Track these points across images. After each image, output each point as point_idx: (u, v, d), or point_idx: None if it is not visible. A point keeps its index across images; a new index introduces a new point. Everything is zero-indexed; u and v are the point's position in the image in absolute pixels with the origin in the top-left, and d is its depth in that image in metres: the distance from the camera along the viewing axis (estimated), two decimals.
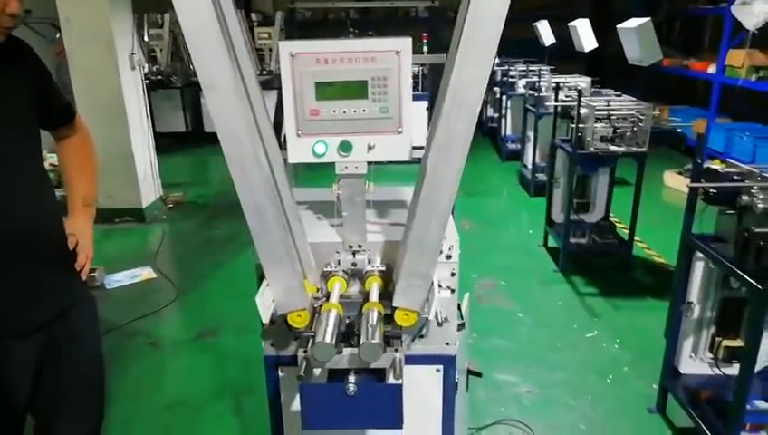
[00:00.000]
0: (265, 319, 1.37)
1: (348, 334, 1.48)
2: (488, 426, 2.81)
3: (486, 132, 9.28)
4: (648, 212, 4.52)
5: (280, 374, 1.66)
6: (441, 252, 1.52)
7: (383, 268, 1.57)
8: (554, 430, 2.81)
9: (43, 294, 1.62)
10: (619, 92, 4.98)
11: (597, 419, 2.89)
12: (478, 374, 2.26)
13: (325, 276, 1.53)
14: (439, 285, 1.51)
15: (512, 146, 7.96)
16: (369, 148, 1.45)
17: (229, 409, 2.96)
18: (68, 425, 1.85)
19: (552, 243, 4.92)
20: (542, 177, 6.21)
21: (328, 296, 1.49)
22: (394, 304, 1.42)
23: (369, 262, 1.56)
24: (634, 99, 4.54)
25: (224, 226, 5.46)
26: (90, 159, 1.94)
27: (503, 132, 8.27)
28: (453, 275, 1.60)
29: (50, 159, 5.15)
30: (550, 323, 3.80)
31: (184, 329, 3.87)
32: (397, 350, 1.41)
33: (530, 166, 6.59)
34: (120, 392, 3.14)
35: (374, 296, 1.45)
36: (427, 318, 1.47)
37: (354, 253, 1.58)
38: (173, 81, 8.86)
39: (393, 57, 1.38)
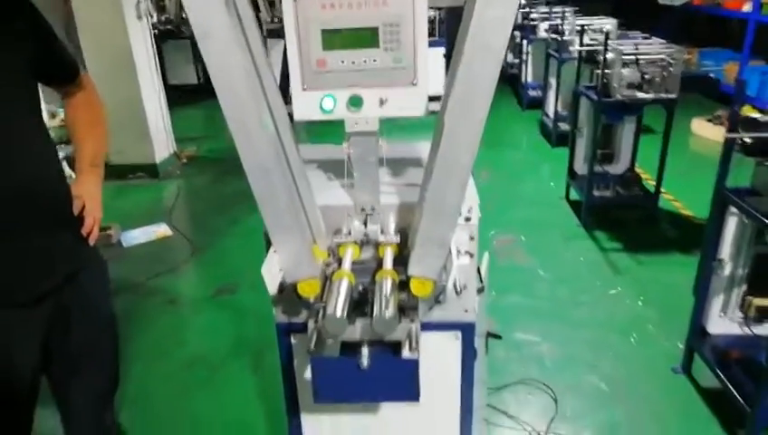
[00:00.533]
0: (272, 290, 1.29)
1: (361, 302, 1.39)
2: (508, 386, 2.76)
3: (506, 79, 8.97)
4: (675, 162, 4.32)
5: (292, 341, 1.60)
6: (460, 214, 1.41)
7: (398, 232, 1.47)
8: (575, 390, 2.75)
9: (48, 261, 1.56)
10: (646, 35, 4.71)
11: (619, 379, 2.82)
12: (498, 337, 2.19)
13: (336, 242, 1.44)
14: (458, 251, 1.41)
15: (533, 93, 7.68)
16: (382, 102, 1.32)
17: (247, 366, 2.95)
18: (82, 389, 1.83)
19: (574, 196, 4.77)
20: (564, 126, 5.99)
21: (339, 262, 1.40)
22: (409, 273, 1.32)
23: (382, 229, 1.47)
24: (663, 41, 4.28)
25: (238, 181, 5.21)
26: (97, 117, 1.84)
27: (523, 79, 7.97)
28: (472, 239, 1.50)
29: (60, 116, 5.08)
30: (571, 280, 3.71)
31: (202, 286, 3.85)
32: (412, 320, 1.33)
33: (552, 115, 6.35)
34: (139, 351, 3.15)
35: (388, 263, 1.36)
36: (444, 286, 1.38)
37: (367, 216, 1.48)
38: (183, 31, 8.63)
39: (406, 0, 1.24)
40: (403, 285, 1.35)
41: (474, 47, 1.10)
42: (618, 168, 4.59)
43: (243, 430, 2.58)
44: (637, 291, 3.55)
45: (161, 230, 4.53)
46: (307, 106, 1.33)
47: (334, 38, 1.27)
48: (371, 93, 1.31)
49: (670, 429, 2.53)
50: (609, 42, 4.01)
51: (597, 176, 4.36)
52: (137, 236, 4.44)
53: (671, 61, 3.91)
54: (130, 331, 3.33)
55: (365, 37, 1.27)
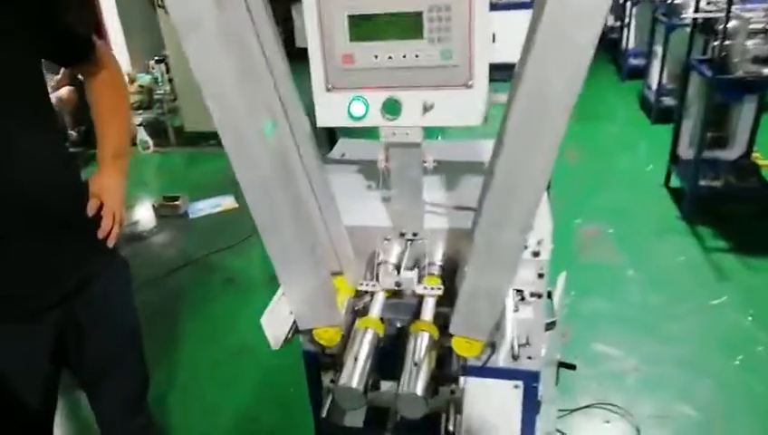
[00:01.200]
0: (275, 343, 1.05)
1: (392, 353, 1.13)
2: (581, 408, 2.43)
3: (605, 45, 8.16)
4: None
5: (323, 379, 1.37)
6: (526, 247, 1.11)
7: (446, 261, 1.19)
8: (662, 421, 2.38)
9: (52, 271, 1.40)
10: None
11: (717, 412, 2.41)
12: (572, 367, 1.87)
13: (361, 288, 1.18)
14: (520, 297, 1.11)
15: (634, 62, 6.91)
16: (426, 108, 1.03)
17: (294, 362, 2.80)
18: (107, 398, 1.72)
19: (675, 183, 4.20)
20: (668, 101, 5.33)
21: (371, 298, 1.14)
22: (451, 331, 1.04)
23: (423, 262, 1.19)
24: None
25: None
26: (120, 102, 1.66)
27: (624, 45, 7.20)
28: (541, 276, 1.19)
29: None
30: (667, 284, 3.24)
31: (260, 268, 3.73)
32: (453, 392, 1.05)
33: (655, 87, 5.65)
34: (192, 333, 3.09)
35: (428, 312, 1.08)
36: (496, 344, 1.09)
37: (408, 242, 1.21)
38: None
39: None
40: (445, 334, 1.08)
41: (547, 42, 0.78)
42: (731, 153, 3.98)
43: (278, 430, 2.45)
44: (745, 302, 3.05)
45: (227, 202, 4.46)
46: (332, 110, 1.07)
47: (365, 26, 0.98)
48: (413, 97, 1.02)
49: None
50: (732, 7, 3.38)
51: (705, 162, 3.79)
52: (202, 207, 4.40)
53: None
54: (185, 310, 3.29)
55: (405, 24, 0.97)
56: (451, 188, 1.34)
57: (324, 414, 1.01)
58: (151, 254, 3.98)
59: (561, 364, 1.86)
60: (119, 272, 1.62)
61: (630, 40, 7.05)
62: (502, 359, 1.09)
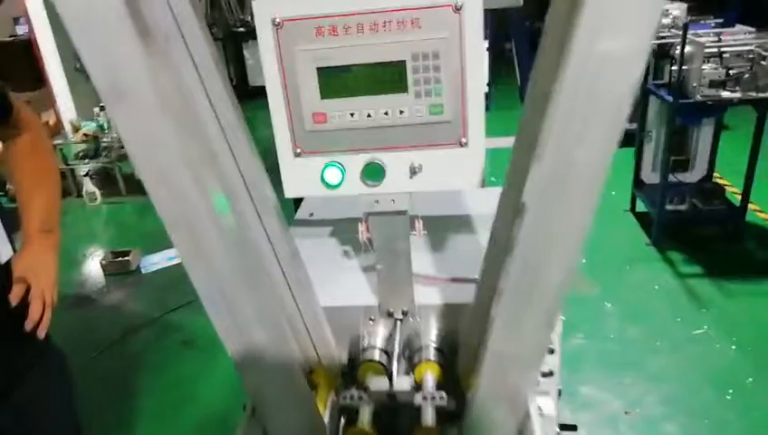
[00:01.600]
0: None
1: None
2: None
3: None
4: (763, 169, 3.67)
5: None
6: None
7: (440, 346, 1.02)
8: None
9: None
10: (719, 19, 4.08)
11: None
12: (572, 428, 1.71)
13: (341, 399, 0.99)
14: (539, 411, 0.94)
15: None
16: (414, 171, 0.87)
17: None
18: None
19: (641, 207, 4.18)
20: (627, 125, 5.37)
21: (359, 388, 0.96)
22: None
23: (418, 340, 1.02)
24: (750, 29, 3.64)
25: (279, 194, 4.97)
26: (45, 168, 1.45)
27: None
28: (551, 352, 1.04)
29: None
30: (645, 316, 3.15)
31: None
32: None
33: None
34: (147, 406, 2.79)
35: (428, 417, 0.90)
36: None
37: (397, 322, 1.03)
38: (213, 32, 8.34)
39: (450, 17, 0.78)
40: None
41: (576, 101, 0.63)
42: (693, 176, 3.99)
43: None
44: (727, 330, 2.98)
45: None
46: (302, 178, 0.90)
47: (339, 79, 0.82)
48: (397, 159, 0.86)
49: None
50: (687, 33, 3.40)
51: (670, 186, 3.77)
52: (157, 261, 4.11)
53: (763, 53, 3.29)
54: (139, 380, 2.99)
55: (385, 77, 0.81)
56: (440, 252, 1.18)
57: None
58: (101, 317, 3.66)
59: (563, 427, 1.70)
60: (53, 367, 1.39)
61: None
62: None
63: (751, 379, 2.64)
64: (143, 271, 4.06)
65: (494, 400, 0.81)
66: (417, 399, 0.91)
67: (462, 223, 1.26)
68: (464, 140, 0.84)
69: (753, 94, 3.33)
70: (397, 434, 1.01)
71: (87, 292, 3.92)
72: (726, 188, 3.99)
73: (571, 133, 0.64)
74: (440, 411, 0.93)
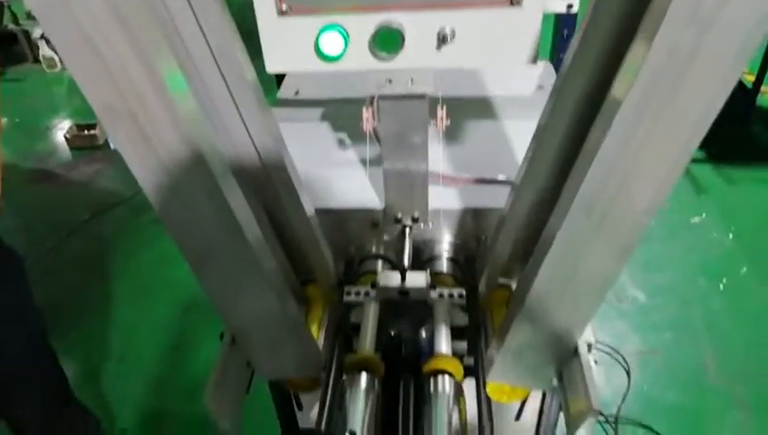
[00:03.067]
0: (228, 425, 0.70)
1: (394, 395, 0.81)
2: None
3: None
4: None
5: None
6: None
7: (456, 258, 0.86)
8: (651, 360, 2.22)
9: None
10: None
11: (707, 341, 2.28)
12: None
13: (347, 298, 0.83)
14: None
15: None
16: (443, 39, 0.64)
17: None
18: (16, 412, 1.37)
19: None
20: None
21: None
22: (490, 378, 0.72)
23: (429, 250, 0.85)
24: None
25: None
26: None
27: None
28: None
29: None
30: None
31: None
32: None
33: None
34: (123, 290, 2.68)
35: (442, 344, 0.75)
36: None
37: (405, 228, 0.86)
38: None
39: None
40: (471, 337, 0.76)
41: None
42: None
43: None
44: (725, 219, 2.89)
45: None
46: (289, 47, 0.66)
47: None
48: (421, 23, 0.63)
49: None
50: None
51: None
52: None
53: None
54: (115, 262, 2.86)
55: None
56: (463, 146, 0.98)
57: None
58: (68, 196, 3.43)
59: None
60: (5, 270, 1.20)
61: None
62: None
63: (745, 268, 2.60)
64: (112, 146, 3.77)
65: (536, 338, 0.65)
66: (433, 296, 0.75)
67: (483, 108, 1.04)
68: None
69: None
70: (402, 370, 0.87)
71: (51, 167, 3.66)
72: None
73: None
74: (455, 343, 0.78)
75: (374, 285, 0.82)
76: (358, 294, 0.83)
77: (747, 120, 3.55)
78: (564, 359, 0.68)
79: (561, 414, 1.14)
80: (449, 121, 0.75)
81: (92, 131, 3.72)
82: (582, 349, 0.68)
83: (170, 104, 0.50)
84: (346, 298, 0.80)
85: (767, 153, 3.38)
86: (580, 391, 0.65)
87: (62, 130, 3.94)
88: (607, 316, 2.42)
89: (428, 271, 0.83)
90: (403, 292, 0.78)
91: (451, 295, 0.80)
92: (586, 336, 0.69)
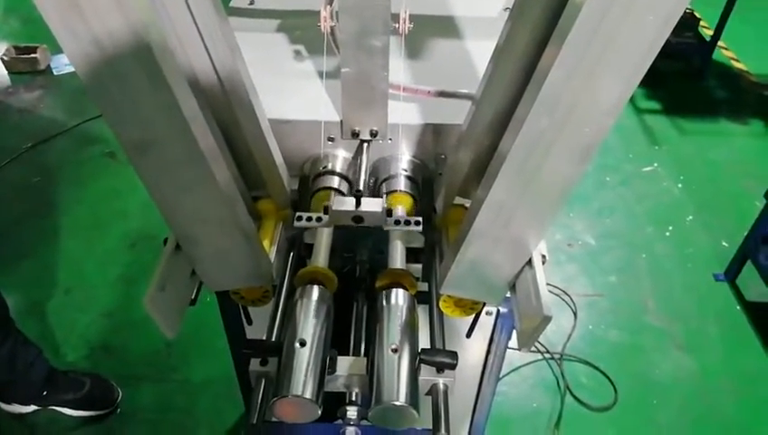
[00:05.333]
0: (171, 332, 0.67)
1: (346, 309, 0.80)
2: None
3: None
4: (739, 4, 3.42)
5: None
6: None
7: (414, 176, 0.83)
8: (597, 301, 2.30)
9: None
10: None
11: (649, 284, 2.37)
12: None
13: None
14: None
15: None
16: None
17: None
18: None
19: None
20: None
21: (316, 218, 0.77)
22: (444, 290, 0.71)
23: (388, 167, 0.82)
24: None
25: None
26: None
27: None
28: None
29: None
30: (601, 149, 3.07)
31: None
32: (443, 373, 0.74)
33: None
34: (72, 221, 2.57)
35: (397, 256, 0.73)
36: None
37: (362, 144, 0.83)
38: None
39: None
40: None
41: None
42: None
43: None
44: (676, 168, 2.97)
45: None
46: None
47: None
48: None
49: (707, 347, 2.13)
50: None
51: None
52: None
53: None
54: (60, 193, 2.73)
55: None
56: (424, 60, 0.94)
57: (255, 421, 0.67)
58: (9, 122, 3.23)
59: None
60: None
61: None
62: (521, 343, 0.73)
63: (691, 217, 2.69)
64: (55, 72, 3.56)
65: (490, 248, 0.64)
66: (389, 223, 0.73)
67: (456, 27, 1.00)
68: None
69: None
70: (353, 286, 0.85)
71: None
72: (701, 24, 3.76)
73: None
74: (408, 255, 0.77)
75: (327, 210, 0.77)
76: (309, 219, 0.77)
77: (703, 73, 3.61)
78: (518, 271, 0.68)
79: (510, 341, 1.17)
80: (412, 26, 0.71)
81: (33, 55, 3.48)
82: (537, 260, 0.68)
83: None
84: (296, 223, 0.76)
85: (720, 107, 3.45)
86: (533, 301, 0.64)
87: None
88: (557, 260, 2.47)
89: (385, 197, 0.80)
90: (357, 218, 0.75)
91: (408, 222, 0.77)
92: (540, 248, 0.69)
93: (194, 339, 2.02)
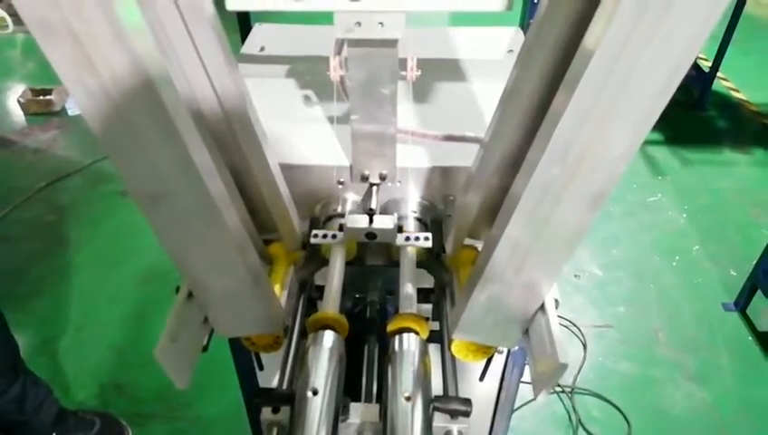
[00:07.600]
0: (182, 384, 0.67)
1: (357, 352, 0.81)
2: None
3: None
4: (743, 37, 3.47)
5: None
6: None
7: (423, 216, 0.85)
8: (606, 333, 2.29)
9: None
10: None
11: (658, 315, 2.36)
12: None
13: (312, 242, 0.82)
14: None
15: None
16: None
17: None
18: None
19: None
20: None
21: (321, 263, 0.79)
22: (456, 336, 0.72)
23: (397, 209, 0.84)
24: None
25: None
26: None
27: None
28: None
29: None
30: None
31: None
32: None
33: None
34: (85, 259, 2.59)
35: (408, 297, 0.74)
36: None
37: (372, 187, 0.84)
38: None
39: None
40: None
41: None
42: None
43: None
44: (680, 198, 2.98)
45: None
46: None
47: None
48: None
49: (719, 378, 2.11)
50: None
51: None
52: None
53: None
54: (73, 231, 2.76)
55: None
56: (431, 104, 0.97)
57: None
58: (23, 162, 3.29)
59: None
60: None
61: None
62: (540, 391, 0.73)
63: (697, 247, 2.69)
64: (70, 113, 3.63)
65: (503, 292, 0.65)
66: (400, 239, 0.75)
67: (462, 70, 1.03)
68: None
69: None
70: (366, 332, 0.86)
71: (4, 133, 3.50)
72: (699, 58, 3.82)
73: None
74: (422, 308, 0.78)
75: (341, 228, 0.81)
76: (325, 236, 0.81)
77: (703, 104, 3.65)
78: (531, 316, 0.69)
79: (522, 377, 1.17)
80: (419, 72, 0.74)
81: (48, 96, 3.57)
82: (549, 305, 0.69)
83: (120, 35, 0.46)
84: (312, 240, 0.79)
85: (722, 137, 3.48)
86: (547, 348, 0.65)
87: (15, 94, 3.76)
88: (564, 291, 2.47)
89: (396, 215, 0.83)
90: (370, 234, 0.78)
91: (417, 238, 0.80)
92: (553, 293, 0.70)
93: (207, 373, 2.02)
